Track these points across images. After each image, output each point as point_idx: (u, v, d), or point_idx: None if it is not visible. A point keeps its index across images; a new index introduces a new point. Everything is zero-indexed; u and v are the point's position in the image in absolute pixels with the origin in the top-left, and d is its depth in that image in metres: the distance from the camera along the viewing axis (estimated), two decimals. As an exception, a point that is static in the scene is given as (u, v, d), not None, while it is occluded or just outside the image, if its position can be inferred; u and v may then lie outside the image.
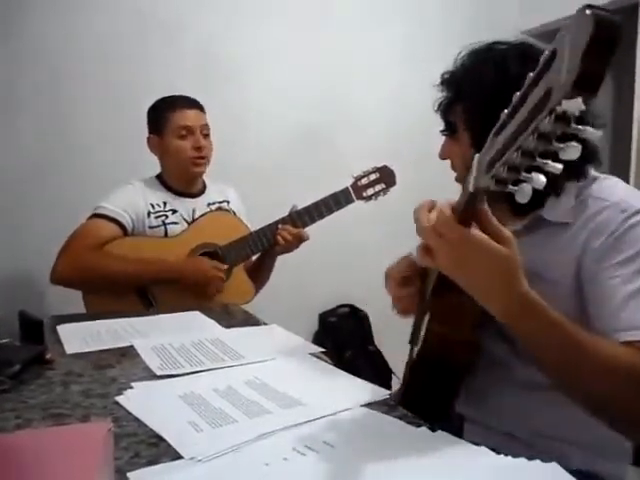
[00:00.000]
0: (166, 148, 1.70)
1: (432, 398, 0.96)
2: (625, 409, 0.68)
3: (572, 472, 0.87)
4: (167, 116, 1.68)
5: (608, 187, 0.84)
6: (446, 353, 0.88)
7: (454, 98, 0.90)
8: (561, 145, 0.44)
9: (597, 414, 0.71)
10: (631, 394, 0.67)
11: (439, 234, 0.62)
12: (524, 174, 0.49)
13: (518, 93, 0.50)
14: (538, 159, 0.47)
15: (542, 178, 0.48)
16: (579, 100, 0.40)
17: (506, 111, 0.52)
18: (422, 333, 0.92)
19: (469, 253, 0.62)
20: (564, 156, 0.45)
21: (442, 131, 0.96)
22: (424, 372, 0.96)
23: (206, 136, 1.72)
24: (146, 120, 1.75)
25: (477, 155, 0.58)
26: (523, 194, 0.50)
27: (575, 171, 0.83)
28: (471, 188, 0.58)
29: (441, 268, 0.66)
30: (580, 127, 0.43)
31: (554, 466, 0.60)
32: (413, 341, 1.04)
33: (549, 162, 0.47)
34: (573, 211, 0.84)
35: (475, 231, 0.61)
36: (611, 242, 0.78)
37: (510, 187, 0.51)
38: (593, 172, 0.87)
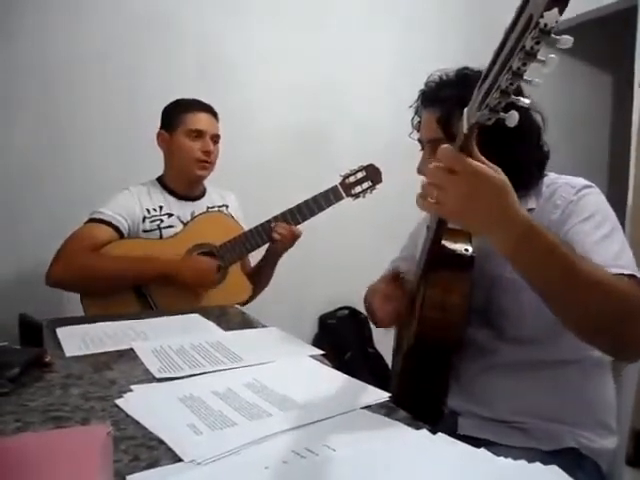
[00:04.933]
0: (174, 146, 1.71)
1: (423, 397, 1.01)
2: (611, 324, 0.74)
3: (564, 450, 0.90)
4: (182, 116, 1.70)
5: (555, 177, 1.01)
6: (437, 336, 0.94)
7: (454, 108, 0.91)
8: (542, 58, 0.51)
9: (591, 335, 0.77)
10: (614, 306, 0.73)
11: (446, 170, 0.65)
12: (513, 97, 0.56)
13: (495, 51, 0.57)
14: (525, 78, 0.54)
15: (527, 101, 0.57)
16: (555, 11, 0.47)
17: (486, 66, 0.58)
18: (412, 329, 0.97)
19: (476, 182, 0.65)
20: (545, 68, 0.52)
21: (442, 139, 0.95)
22: (416, 365, 1.01)
23: (215, 143, 1.74)
24: (160, 116, 1.76)
25: (465, 109, 0.64)
26: (512, 119, 0.57)
27: (540, 170, 1.00)
28: (465, 130, 0.63)
29: (448, 209, 0.68)
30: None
31: (554, 469, 0.60)
32: (397, 352, 1.14)
33: (534, 79, 0.54)
34: (534, 199, 0.98)
35: (475, 161, 0.65)
36: (568, 211, 0.93)
37: (502, 114, 0.58)
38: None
